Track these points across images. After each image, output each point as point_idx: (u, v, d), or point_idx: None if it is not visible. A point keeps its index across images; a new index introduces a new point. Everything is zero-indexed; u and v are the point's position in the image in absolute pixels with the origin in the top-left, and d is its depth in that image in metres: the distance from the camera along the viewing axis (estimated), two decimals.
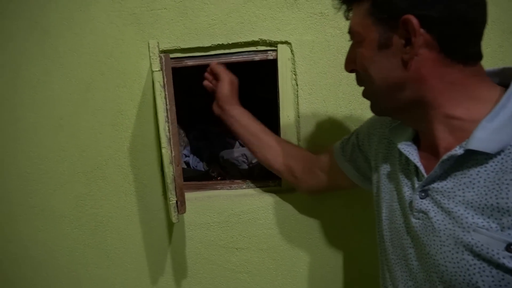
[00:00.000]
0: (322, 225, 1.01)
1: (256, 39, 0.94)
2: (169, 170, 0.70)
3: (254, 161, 1.12)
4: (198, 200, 1.01)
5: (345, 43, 0.93)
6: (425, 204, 0.54)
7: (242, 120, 0.91)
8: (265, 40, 0.94)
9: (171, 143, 0.70)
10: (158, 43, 0.70)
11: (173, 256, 1.04)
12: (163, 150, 0.70)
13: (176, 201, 0.72)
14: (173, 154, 0.70)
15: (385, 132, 0.69)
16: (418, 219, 0.55)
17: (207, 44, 0.94)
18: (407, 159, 0.61)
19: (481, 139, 0.48)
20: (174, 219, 0.72)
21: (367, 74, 0.58)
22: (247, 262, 1.04)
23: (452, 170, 0.52)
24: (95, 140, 0.99)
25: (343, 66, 0.93)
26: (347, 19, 0.61)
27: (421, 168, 0.56)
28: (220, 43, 0.94)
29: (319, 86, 0.94)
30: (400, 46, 0.53)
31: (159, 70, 0.70)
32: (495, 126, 0.48)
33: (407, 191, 0.59)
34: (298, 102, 0.95)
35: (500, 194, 0.46)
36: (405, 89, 0.55)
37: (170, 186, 0.71)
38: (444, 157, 0.51)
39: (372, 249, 1.02)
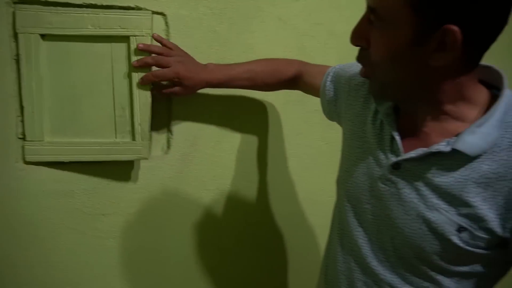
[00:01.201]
0: (190, 188, 1.11)
1: (132, 5, 0.95)
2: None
3: None
4: (60, 166, 0.95)
5: (215, 23, 1.04)
6: (396, 175, 0.60)
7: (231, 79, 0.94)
8: (141, 8, 0.96)
9: None
10: None
11: (32, 229, 0.94)
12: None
13: None
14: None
15: (361, 89, 0.71)
16: (385, 185, 0.61)
17: (78, 1, 0.89)
18: (382, 125, 0.64)
19: (468, 142, 0.53)
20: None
21: (383, 64, 0.55)
22: (114, 228, 1.04)
23: (429, 155, 0.56)
24: None
25: (212, 43, 1.06)
26: None
27: (400, 145, 0.60)
28: (93, 3, 0.91)
29: None
30: (431, 49, 0.50)
31: None
32: (482, 132, 0.53)
33: (377, 156, 0.63)
34: None
35: (464, 189, 0.54)
36: (419, 88, 0.56)
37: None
38: (433, 150, 0.55)
39: (239, 214, 1.16)
